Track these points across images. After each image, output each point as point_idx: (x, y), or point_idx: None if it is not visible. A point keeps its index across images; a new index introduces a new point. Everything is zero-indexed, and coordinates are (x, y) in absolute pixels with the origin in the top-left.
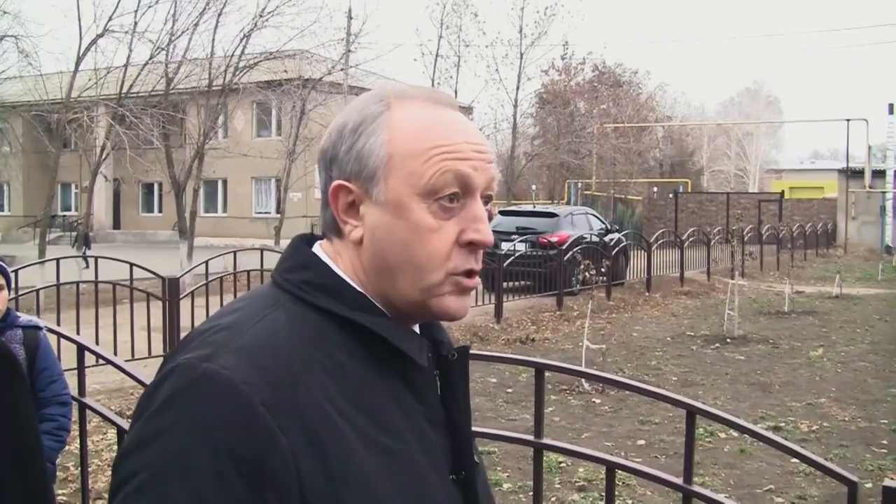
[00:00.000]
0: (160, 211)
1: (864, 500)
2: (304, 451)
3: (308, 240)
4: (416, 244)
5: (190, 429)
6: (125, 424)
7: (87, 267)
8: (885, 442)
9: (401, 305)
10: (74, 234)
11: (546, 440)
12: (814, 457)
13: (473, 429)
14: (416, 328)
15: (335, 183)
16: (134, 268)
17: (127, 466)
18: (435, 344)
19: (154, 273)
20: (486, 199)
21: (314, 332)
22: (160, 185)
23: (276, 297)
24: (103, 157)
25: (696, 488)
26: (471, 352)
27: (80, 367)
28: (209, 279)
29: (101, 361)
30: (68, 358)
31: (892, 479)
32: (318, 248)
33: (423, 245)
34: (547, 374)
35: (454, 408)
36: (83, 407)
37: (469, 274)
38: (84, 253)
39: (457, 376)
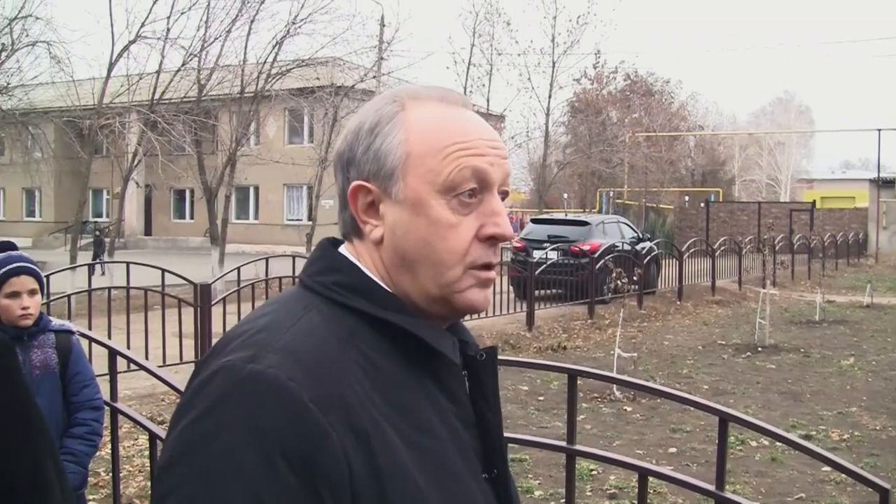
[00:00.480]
0: (191, 217)
1: None
2: (353, 447)
3: (334, 243)
4: (437, 240)
5: (241, 430)
6: (157, 429)
7: (104, 274)
8: None
9: (423, 304)
10: (91, 239)
11: (578, 446)
12: (846, 463)
13: (507, 434)
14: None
15: (354, 183)
16: (165, 274)
17: (176, 474)
18: (462, 345)
19: (186, 279)
20: (503, 195)
21: (348, 332)
22: (192, 191)
23: (308, 299)
24: (135, 163)
25: (729, 495)
26: (504, 358)
27: (112, 372)
28: (241, 286)
29: (132, 367)
30: (100, 363)
31: None
32: (345, 251)
33: (444, 241)
34: (579, 381)
35: (484, 408)
36: (115, 412)
37: (487, 267)
38: (100, 259)
39: (485, 376)
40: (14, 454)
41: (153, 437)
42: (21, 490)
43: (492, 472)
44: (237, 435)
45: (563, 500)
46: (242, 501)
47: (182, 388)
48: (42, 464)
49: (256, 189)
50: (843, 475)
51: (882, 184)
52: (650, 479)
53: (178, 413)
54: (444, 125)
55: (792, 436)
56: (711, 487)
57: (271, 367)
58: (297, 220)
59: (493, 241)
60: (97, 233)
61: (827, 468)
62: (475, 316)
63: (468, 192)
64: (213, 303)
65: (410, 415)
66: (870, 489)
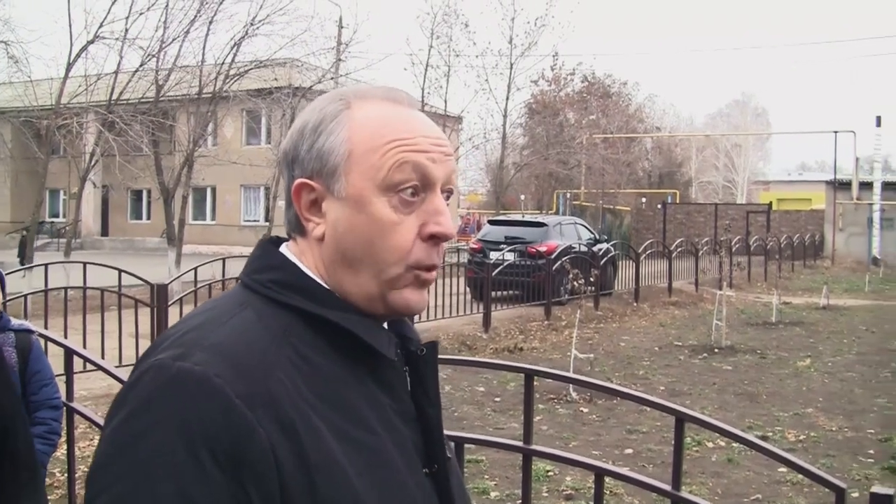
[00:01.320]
0: (148, 218)
1: None
2: (280, 442)
3: (275, 242)
4: (378, 238)
5: (169, 428)
6: None
7: (24, 277)
8: (871, 451)
9: (362, 301)
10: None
11: (535, 447)
12: (802, 463)
13: (463, 434)
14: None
15: (297, 181)
16: (122, 274)
17: (108, 472)
18: (403, 340)
19: (142, 280)
20: (447, 194)
21: (282, 329)
22: (149, 192)
23: (244, 297)
24: (92, 163)
25: (685, 495)
26: (461, 358)
27: (69, 372)
28: (197, 286)
29: (88, 367)
30: (56, 363)
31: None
32: (286, 249)
33: (385, 239)
34: (535, 382)
35: (425, 403)
36: (71, 412)
37: (429, 268)
38: (23, 264)
39: (426, 372)
40: (21, 437)
41: None
42: (23, 471)
43: (433, 466)
44: (165, 433)
45: (520, 501)
46: (170, 499)
47: None
48: (34, 449)
49: (214, 190)
50: (800, 476)
51: (838, 186)
52: (607, 479)
53: (111, 412)
54: (387, 122)
55: (749, 436)
56: (668, 487)
57: (198, 365)
58: (254, 221)
59: (434, 240)
60: (24, 232)
61: (783, 469)
62: (433, 317)
63: (410, 191)
64: (169, 303)
65: (344, 410)
66: (826, 489)
